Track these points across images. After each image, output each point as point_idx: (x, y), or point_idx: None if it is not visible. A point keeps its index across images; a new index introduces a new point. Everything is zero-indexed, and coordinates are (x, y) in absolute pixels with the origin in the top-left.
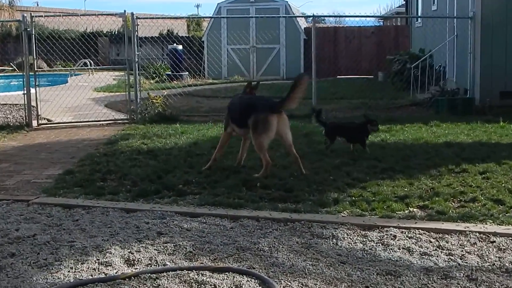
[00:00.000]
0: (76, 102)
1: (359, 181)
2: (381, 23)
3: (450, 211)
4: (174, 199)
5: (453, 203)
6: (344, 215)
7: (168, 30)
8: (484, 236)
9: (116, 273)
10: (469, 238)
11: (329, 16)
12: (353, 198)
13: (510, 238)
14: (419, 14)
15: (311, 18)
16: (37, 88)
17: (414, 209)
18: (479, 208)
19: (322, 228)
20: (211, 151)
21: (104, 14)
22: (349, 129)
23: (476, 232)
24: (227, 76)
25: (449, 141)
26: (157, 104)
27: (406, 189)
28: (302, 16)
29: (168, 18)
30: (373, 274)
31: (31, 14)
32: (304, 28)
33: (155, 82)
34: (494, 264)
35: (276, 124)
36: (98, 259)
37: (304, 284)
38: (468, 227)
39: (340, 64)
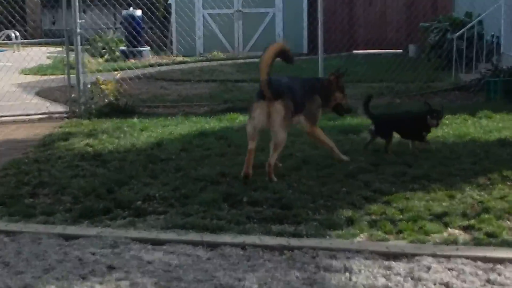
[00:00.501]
0: None
1: (382, 194)
2: None
3: (504, 232)
4: (130, 220)
5: (508, 222)
6: (360, 239)
7: None
8: None
9: None
10: None
11: None
12: (373, 216)
13: None
14: None
15: None
16: None
17: (456, 231)
18: None
19: (331, 258)
20: (180, 154)
21: None
22: (404, 121)
23: None
24: (203, 52)
25: (504, 138)
26: (107, 92)
27: (445, 204)
28: None
29: None
30: None
31: None
32: None
33: (105, 61)
34: None
35: (260, 113)
36: None
37: None
38: None
39: (358, 34)
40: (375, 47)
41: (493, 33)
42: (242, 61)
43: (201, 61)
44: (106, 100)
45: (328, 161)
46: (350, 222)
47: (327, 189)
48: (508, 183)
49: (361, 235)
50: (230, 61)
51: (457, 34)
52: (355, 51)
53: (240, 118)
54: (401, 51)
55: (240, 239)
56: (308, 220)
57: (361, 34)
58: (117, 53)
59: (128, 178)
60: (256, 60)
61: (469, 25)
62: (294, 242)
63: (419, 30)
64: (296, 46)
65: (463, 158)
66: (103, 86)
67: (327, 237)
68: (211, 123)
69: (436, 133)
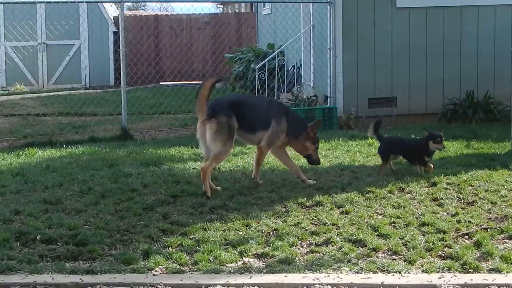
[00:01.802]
0: None
1: (180, 226)
2: (220, 9)
3: (297, 258)
4: None
5: (301, 248)
6: (156, 273)
7: None
8: None
9: None
10: None
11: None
12: (170, 249)
13: None
14: None
15: (121, 2)
16: None
17: (250, 259)
18: (333, 253)
19: None
20: None
21: None
22: (407, 146)
23: (327, 284)
24: (5, 85)
25: (301, 166)
26: None
27: (241, 233)
28: (108, 1)
29: None
30: None
31: None
32: (114, 17)
33: None
34: None
35: (199, 132)
36: None
37: None
38: (318, 279)
39: (165, 66)
40: (182, 79)
41: (294, 63)
42: (46, 94)
43: (2, 95)
44: None
45: (127, 195)
46: (146, 255)
47: (125, 223)
48: (304, 209)
49: (157, 269)
50: (33, 95)
51: (259, 65)
52: (162, 83)
53: (39, 153)
54: None
55: (31, 278)
56: (103, 255)
57: (168, 66)
58: None
59: None
60: (61, 93)
61: (270, 56)
62: (87, 279)
63: (225, 61)
64: (103, 78)
65: (261, 187)
66: None
67: (122, 272)
68: (8, 159)
69: (236, 163)
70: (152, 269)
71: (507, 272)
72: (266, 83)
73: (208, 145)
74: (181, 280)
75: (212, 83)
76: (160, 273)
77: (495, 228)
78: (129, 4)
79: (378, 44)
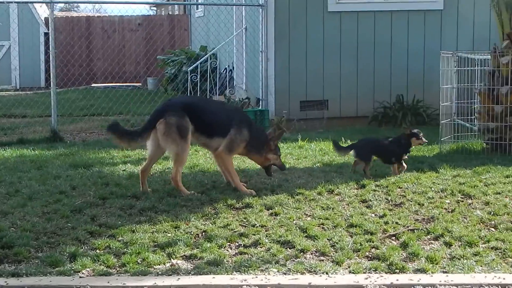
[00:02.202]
0: None
1: (108, 228)
2: (153, 11)
3: (225, 260)
4: None
5: (229, 250)
6: (83, 275)
7: None
8: None
9: None
10: None
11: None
12: (98, 251)
13: None
14: (199, 0)
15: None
16: None
17: (179, 261)
18: (262, 254)
19: None
20: None
21: None
22: (384, 146)
23: (255, 285)
24: None
25: (236, 168)
26: None
27: (169, 235)
28: (37, 2)
29: None
30: None
31: None
32: (45, 18)
33: None
34: None
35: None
36: None
37: None
38: (245, 280)
39: (96, 67)
40: (114, 81)
41: (227, 66)
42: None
43: None
44: None
45: (55, 197)
46: (73, 258)
47: (52, 226)
48: (233, 211)
49: (84, 271)
50: None
51: (191, 67)
52: (94, 85)
53: None
54: (140, 84)
55: None
56: (29, 258)
57: (100, 67)
58: None
59: None
60: None
61: (202, 58)
62: (12, 282)
63: (157, 63)
64: (34, 79)
65: (192, 189)
66: None
67: (48, 274)
68: None
69: (167, 165)
70: (79, 272)
71: (432, 272)
72: (198, 85)
73: (162, 146)
74: (108, 282)
75: None
76: (87, 276)
77: (421, 229)
78: (62, 5)
79: (310, 48)
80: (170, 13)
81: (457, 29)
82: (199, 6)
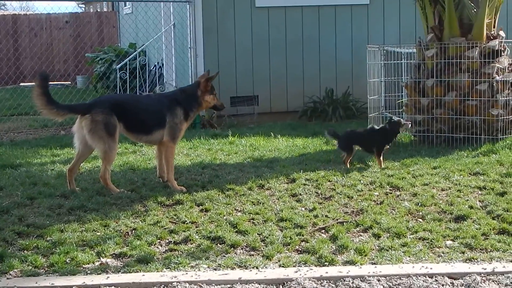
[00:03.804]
0: None
1: (36, 228)
2: (82, 9)
3: (155, 257)
4: None
5: (159, 247)
6: (10, 276)
7: None
8: (196, 286)
9: None
10: None
11: None
12: (26, 251)
13: (228, 285)
14: None
15: None
16: None
17: (108, 260)
18: (192, 250)
19: None
20: None
21: None
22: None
23: (185, 282)
24: None
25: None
26: None
27: (99, 234)
28: None
29: None
30: None
31: None
32: None
33: None
34: None
35: (75, 127)
36: None
37: None
38: (175, 277)
39: (24, 66)
40: None
41: (156, 63)
42: None
43: None
44: None
45: None
46: (0, 259)
47: None
48: (163, 208)
49: (11, 272)
50: None
51: (120, 65)
52: (22, 84)
53: None
54: (69, 82)
55: None
56: None
57: (28, 66)
58: None
59: None
60: None
61: (131, 55)
62: None
63: (86, 61)
64: None
65: (121, 187)
66: None
67: None
68: None
69: (96, 163)
70: (6, 273)
71: (361, 264)
72: (128, 82)
73: (89, 143)
74: (36, 282)
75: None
76: (15, 277)
77: (351, 222)
78: None
79: (239, 43)
80: (98, 10)
81: (383, 23)
82: (127, 2)
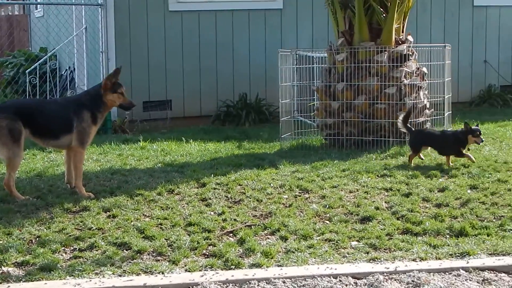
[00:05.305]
0: None
1: None
2: None
3: (59, 265)
4: None
5: (64, 254)
6: None
7: None
8: None
9: None
10: None
11: None
12: None
13: None
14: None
15: None
16: None
17: (10, 268)
18: (97, 257)
19: None
20: None
21: None
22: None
23: None
24: None
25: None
26: None
27: (1, 242)
28: None
29: None
30: None
31: None
32: None
33: None
34: None
35: None
36: None
37: None
38: (79, 284)
39: None
40: None
41: (67, 67)
42: None
43: None
44: None
45: None
46: None
47: None
48: (70, 215)
49: None
50: None
51: (29, 69)
52: None
53: None
54: None
55: None
56: None
57: None
58: None
59: None
60: None
61: (41, 60)
62: None
63: None
64: None
65: (27, 194)
66: None
67: None
68: None
69: (1, 170)
70: None
71: (267, 267)
72: (37, 87)
73: None
74: None
75: None
76: None
77: (259, 225)
78: None
79: (152, 48)
80: (10, 13)
81: (296, 27)
82: (39, 6)
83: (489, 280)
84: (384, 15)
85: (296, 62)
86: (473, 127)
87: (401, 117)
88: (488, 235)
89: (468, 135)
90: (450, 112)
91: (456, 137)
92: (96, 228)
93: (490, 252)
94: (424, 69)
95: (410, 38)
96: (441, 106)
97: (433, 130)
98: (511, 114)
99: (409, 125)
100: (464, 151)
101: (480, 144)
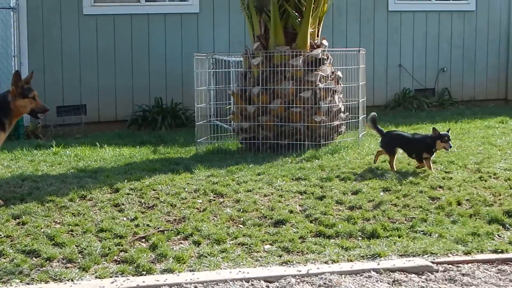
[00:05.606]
0: None
1: None
2: None
3: None
4: None
5: None
6: None
7: None
8: None
9: None
10: None
11: None
12: None
13: None
14: None
15: None
16: None
17: None
18: (5, 265)
19: None
20: None
21: None
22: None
23: None
24: None
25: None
26: None
27: None
28: None
29: None
30: None
31: None
32: None
33: None
34: None
35: None
36: None
37: None
38: None
39: None
40: None
41: None
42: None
43: None
44: None
45: None
46: None
47: None
48: None
49: None
50: None
51: None
52: None
53: None
54: None
55: None
56: None
57: None
58: None
59: None
60: None
61: None
62: None
63: None
64: None
65: None
66: None
67: None
68: None
69: None
70: None
71: (179, 272)
72: None
73: None
74: None
75: None
76: None
77: (172, 230)
78: None
79: (66, 52)
80: None
81: (213, 31)
82: None
83: (399, 281)
84: (299, 19)
85: (213, 66)
86: (442, 132)
87: (369, 120)
88: (399, 237)
89: (436, 140)
90: (365, 115)
91: (424, 141)
92: (4, 236)
93: (400, 254)
94: (339, 73)
95: (325, 42)
96: (356, 109)
97: (404, 132)
98: (425, 117)
99: (379, 127)
100: (432, 157)
101: (449, 150)
